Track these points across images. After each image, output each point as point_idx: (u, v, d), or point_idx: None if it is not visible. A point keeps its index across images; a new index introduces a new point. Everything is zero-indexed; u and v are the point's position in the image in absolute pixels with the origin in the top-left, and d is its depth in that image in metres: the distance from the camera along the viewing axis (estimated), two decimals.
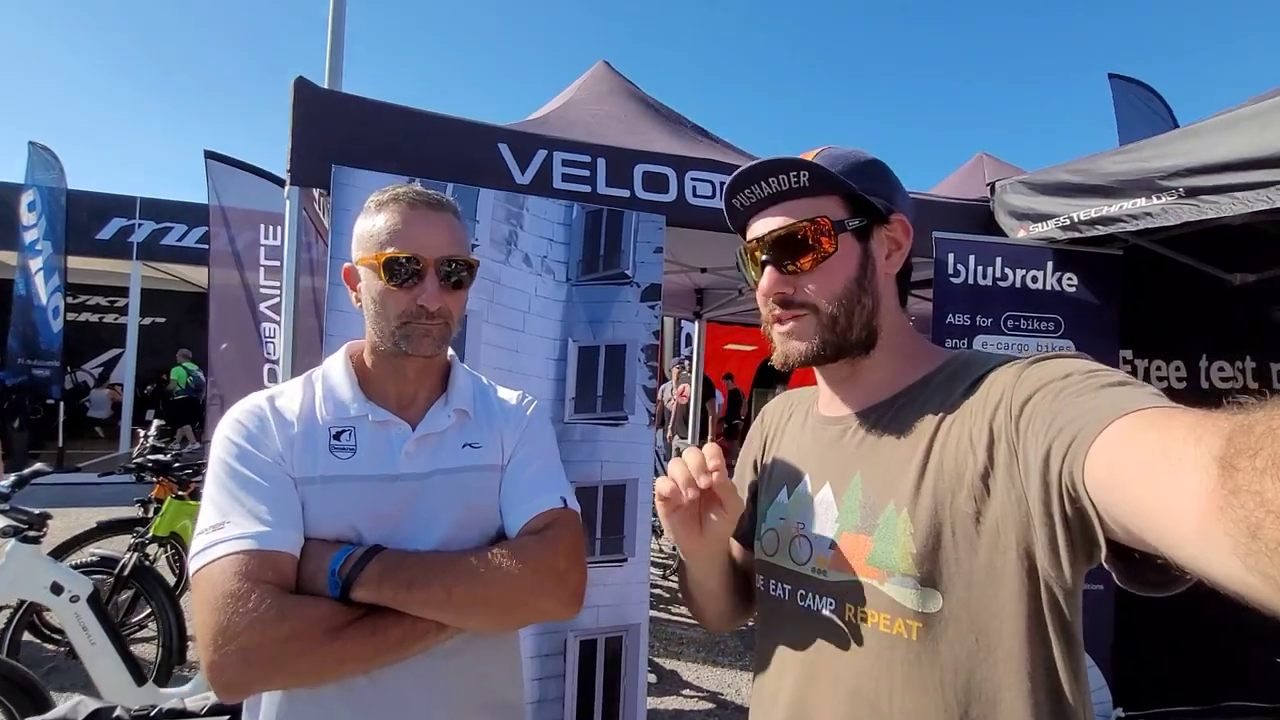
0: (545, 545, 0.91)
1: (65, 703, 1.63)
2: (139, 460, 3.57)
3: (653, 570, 3.57)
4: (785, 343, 0.78)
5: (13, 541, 2.45)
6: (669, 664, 3.63)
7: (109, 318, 11.94)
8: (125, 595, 3.05)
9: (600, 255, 2.24)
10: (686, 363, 8.01)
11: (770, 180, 0.76)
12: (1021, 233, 2.63)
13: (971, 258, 2.60)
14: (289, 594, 0.79)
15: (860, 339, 0.77)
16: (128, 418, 9.34)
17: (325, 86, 2.20)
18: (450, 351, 1.05)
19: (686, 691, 3.35)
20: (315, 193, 2.29)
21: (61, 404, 8.75)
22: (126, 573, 2.86)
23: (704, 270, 4.50)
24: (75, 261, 8.47)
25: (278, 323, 4.34)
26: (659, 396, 6.84)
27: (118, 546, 3.08)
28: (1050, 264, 2.63)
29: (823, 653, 0.74)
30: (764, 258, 0.78)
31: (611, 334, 2.24)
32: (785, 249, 0.76)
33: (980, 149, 5.44)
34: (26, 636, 2.83)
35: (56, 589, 2.42)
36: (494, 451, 1.00)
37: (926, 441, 0.69)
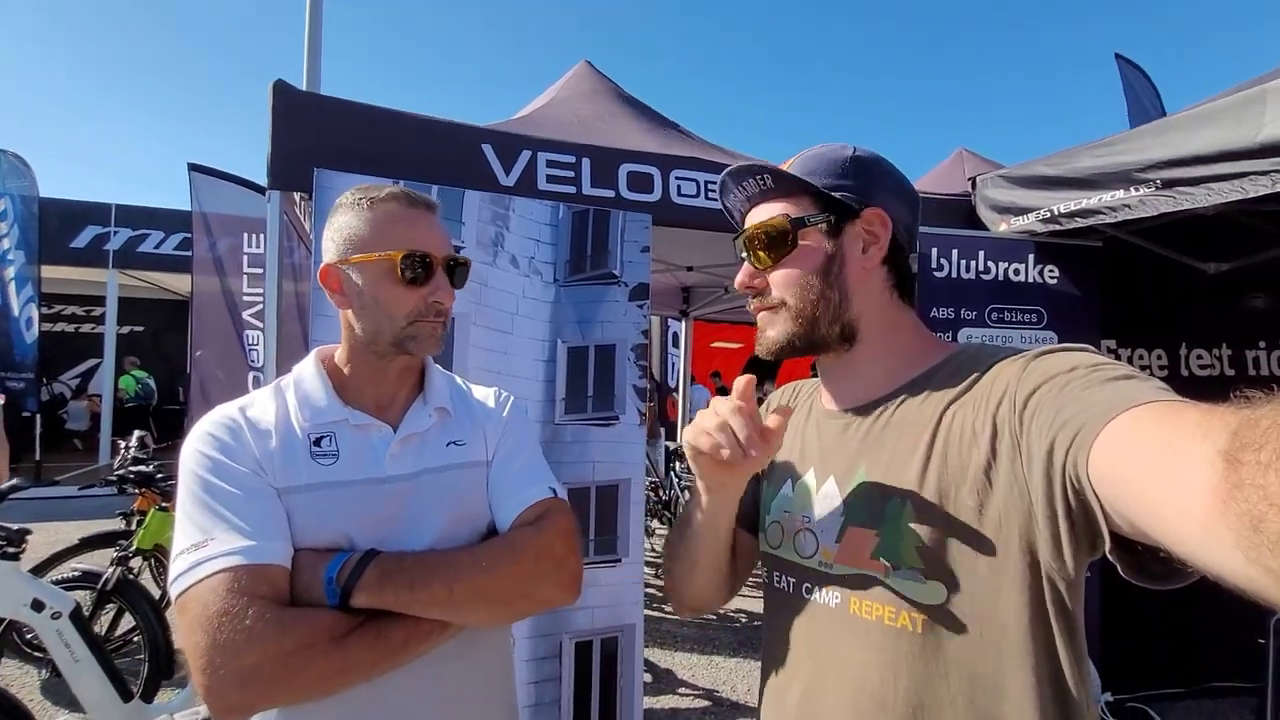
0: (542, 535, 0.91)
1: None
2: (120, 472, 3.49)
3: (646, 570, 3.57)
4: (761, 333, 0.83)
5: None
6: (664, 663, 3.63)
7: (85, 327, 11.66)
8: (109, 610, 3.00)
9: (587, 255, 2.23)
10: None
11: (745, 183, 0.83)
12: (1003, 226, 2.67)
13: (954, 251, 2.63)
14: (286, 607, 0.77)
15: (833, 332, 0.78)
16: (106, 429, 9.16)
17: (304, 89, 2.17)
18: None
19: (682, 690, 3.35)
20: (297, 197, 2.27)
21: (38, 416, 8.56)
22: (110, 587, 2.81)
23: (690, 269, 4.52)
24: (49, 270, 8.27)
25: (261, 329, 4.29)
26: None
27: (100, 561, 3.02)
28: (1032, 257, 2.67)
29: (829, 646, 0.74)
30: (740, 254, 0.84)
31: (600, 334, 2.24)
32: (753, 245, 0.81)
33: (960, 144, 5.51)
34: (8, 656, 2.78)
35: (37, 606, 2.36)
36: (478, 448, 0.99)
37: (930, 435, 0.70)
